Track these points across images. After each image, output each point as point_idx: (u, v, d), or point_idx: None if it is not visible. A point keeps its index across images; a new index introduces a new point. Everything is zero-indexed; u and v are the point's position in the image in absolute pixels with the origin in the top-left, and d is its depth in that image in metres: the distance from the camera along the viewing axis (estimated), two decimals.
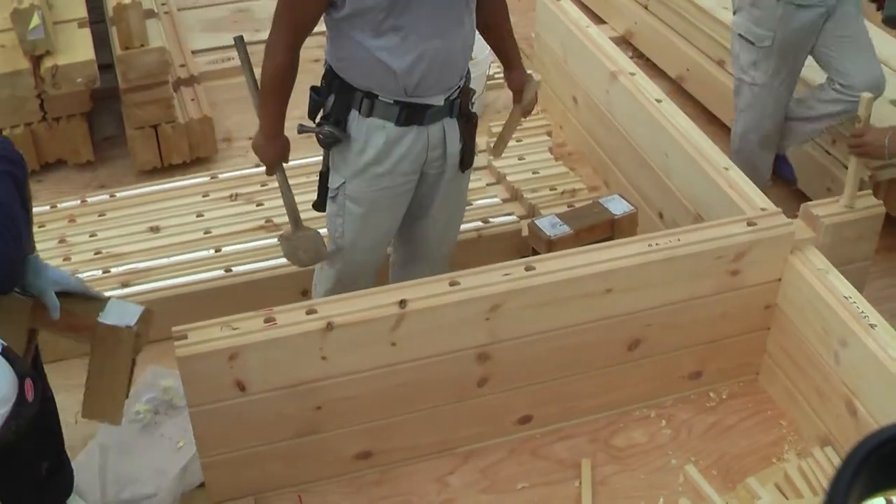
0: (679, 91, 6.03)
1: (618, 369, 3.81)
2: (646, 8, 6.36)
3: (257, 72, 3.59)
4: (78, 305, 2.96)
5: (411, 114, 3.50)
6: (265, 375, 3.32)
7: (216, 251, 4.49)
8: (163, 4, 6.44)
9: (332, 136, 3.53)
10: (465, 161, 3.75)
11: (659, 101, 4.58)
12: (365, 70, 3.44)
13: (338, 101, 3.52)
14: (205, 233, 4.61)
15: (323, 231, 3.83)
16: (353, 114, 3.51)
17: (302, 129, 3.60)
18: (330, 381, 3.40)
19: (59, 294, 2.89)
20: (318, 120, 3.58)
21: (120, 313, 2.97)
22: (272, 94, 3.53)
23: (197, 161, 5.47)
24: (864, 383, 3.49)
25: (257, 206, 4.76)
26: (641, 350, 3.80)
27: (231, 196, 4.84)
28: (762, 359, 4.04)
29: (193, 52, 6.21)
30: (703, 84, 5.86)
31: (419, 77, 3.43)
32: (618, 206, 4.20)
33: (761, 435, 3.91)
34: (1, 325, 2.75)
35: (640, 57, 6.44)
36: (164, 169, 5.39)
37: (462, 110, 3.65)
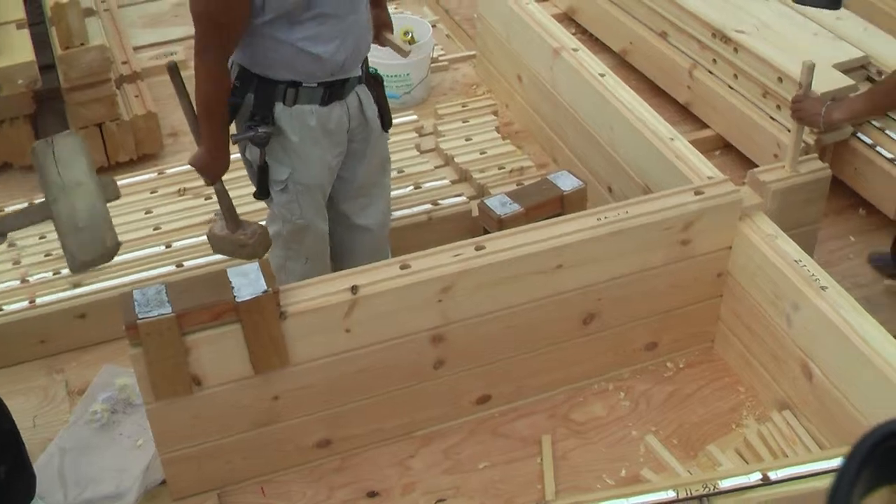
0: (623, 65, 6.04)
1: (573, 344, 3.82)
2: None
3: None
4: None
5: (333, 91, 3.56)
6: (220, 368, 3.30)
7: (167, 247, 4.47)
8: (102, 2, 6.37)
9: (266, 136, 3.53)
10: (385, 121, 3.84)
11: (602, 75, 4.59)
12: (289, 63, 3.46)
13: (259, 99, 3.52)
14: (154, 229, 4.58)
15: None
16: (279, 106, 3.52)
17: (237, 139, 3.59)
18: (286, 371, 3.39)
19: None
20: (245, 121, 3.57)
21: None
22: (216, 113, 3.51)
23: (144, 158, 5.43)
24: (817, 345, 3.52)
25: (206, 199, 4.73)
26: (596, 324, 3.81)
27: (179, 191, 4.81)
28: (717, 326, 4.07)
29: (135, 49, 6.16)
30: (647, 57, 5.87)
31: (344, 56, 3.49)
32: (566, 182, 4.20)
33: (719, 402, 3.94)
34: None
35: (583, 33, 6.44)
36: (111, 167, 5.34)
37: (366, 74, 3.72)
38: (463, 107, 5.43)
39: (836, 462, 3.17)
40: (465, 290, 3.47)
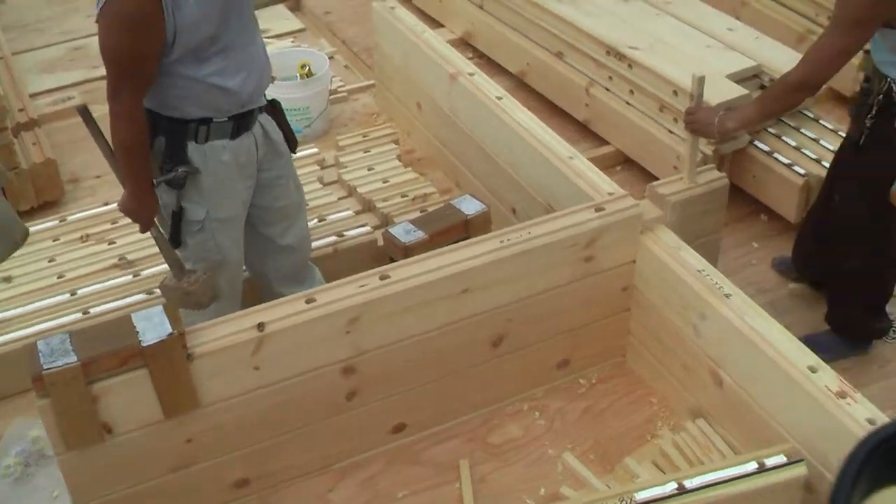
0: (522, 86, 6.08)
1: (485, 367, 3.83)
2: (481, 8, 6.40)
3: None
4: None
5: (242, 124, 3.58)
6: (130, 415, 3.26)
7: (72, 294, 4.40)
8: None
9: (185, 175, 3.53)
10: (291, 143, 3.87)
11: (500, 98, 4.62)
12: (200, 100, 3.45)
13: (171, 140, 3.51)
14: (58, 277, 4.52)
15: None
16: (191, 145, 3.52)
17: (157, 182, 3.56)
18: (197, 413, 3.35)
19: None
20: (159, 164, 3.55)
21: None
22: (138, 156, 3.49)
23: (45, 205, 5.34)
24: (725, 352, 3.57)
25: (109, 244, 4.68)
26: (506, 345, 3.82)
27: (82, 237, 4.76)
28: (627, 340, 4.10)
29: (32, 96, 6.09)
30: (544, 77, 5.92)
31: (252, 87, 3.52)
32: (470, 206, 4.22)
33: (634, 415, 3.96)
34: None
35: (480, 56, 6.48)
36: None
37: (266, 103, 3.76)
38: (364, 137, 5.43)
39: (750, 466, 3.21)
40: (373, 321, 3.46)
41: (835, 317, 4.37)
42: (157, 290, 4.09)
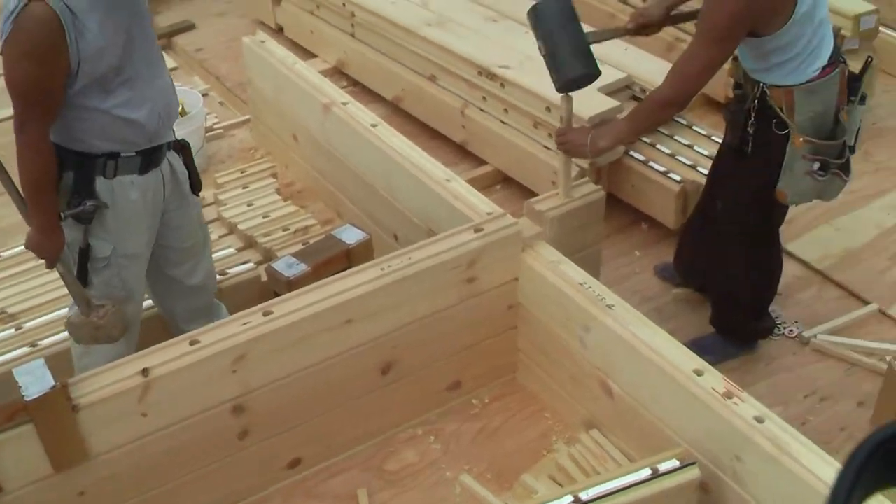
0: (398, 112, 6.10)
1: (376, 395, 3.82)
2: (353, 36, 6.41)
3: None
4: None
5: (150, 160, 3.56)
6: (19, 471, 3.20)
7: None
8: None
9: (94, 209, 3.48)
10: (195, 184, 3.84)
11: (374, 125, 4.63)
12: (106, 133, 3.42)
13: (79, 175, 3.46)
14: None
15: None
16: (99, 180, 3.48)
17: (66, 215, 3.49)
18: (87, 464, 3.30)
19: None
20: (67, 200, 3.49)
21: None
22: (46, 190, 3.42)
23: None
24: (612, 362, 3.61)
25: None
26: (395, 372, 3.82)
27: None
28: (516, 357, 4.12)
29: None
30: (420, 101, 5.94)
31: (157, 119, 3.50)
32: (351, 236, 4.22)
33: (528, 431, 3.98)
34: None
35: (355, 85, 6.48)
36: None
37: (174, 140, 3.74)
38: (242, 173, 5.39)
39: (644, 473, 3.25)
40: (259, 357, 3.44)
41: (719, 320, 4.44)
42: (43, 342, 4.06)
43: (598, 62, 4.00)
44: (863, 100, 3.87)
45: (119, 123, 3.41)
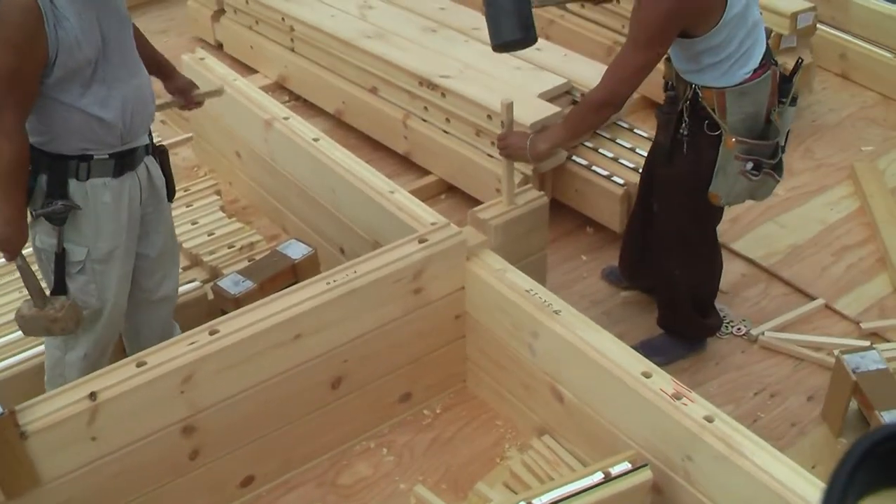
0: (340, 125, 6.08)
1: (328, 409, 3.82)
2: (292, 51, 6.39)
3: None
4: None
5: (124, 163, 3.54)
6: None
7: None
8: None
9: (66, 209, 3.46)
10: (170, 190, 3.84)
11: (316, 139, 4.62)
12: (78, 132, 3.40)
13: (52, 177, 3.45)
14: None
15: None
16: (72, 183, 3.46)
17: (37, 214, 3.47)
18: (38, 491, 3.26)
19: None
20: (41, 202, 3.47)
21: None
22: (17, 178, 3.37)
23: None
24: (561, 368, 3.63)
25: None
26: (346, 386, 3.82)
27: None
28: (466, 366, 4.13)
29: None
30: (362, 114, 5.93)
31: (129, 120, 3.49)
32: (296, 251, 4.22)
33: (481, 439, 4.00)
34: None
35: (297, 99, 6.46)
36: None
37: (152, 145, 3.72)
38: (185, 191, 5.35)
39: (597, 476, 3.27)
40: (207, 377, 3.42)
41: (666, 319, 4.46)
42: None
43: (536, 31, 3.96)
44: (794, 101, 3.91)
45: (91, 123, 3.40)
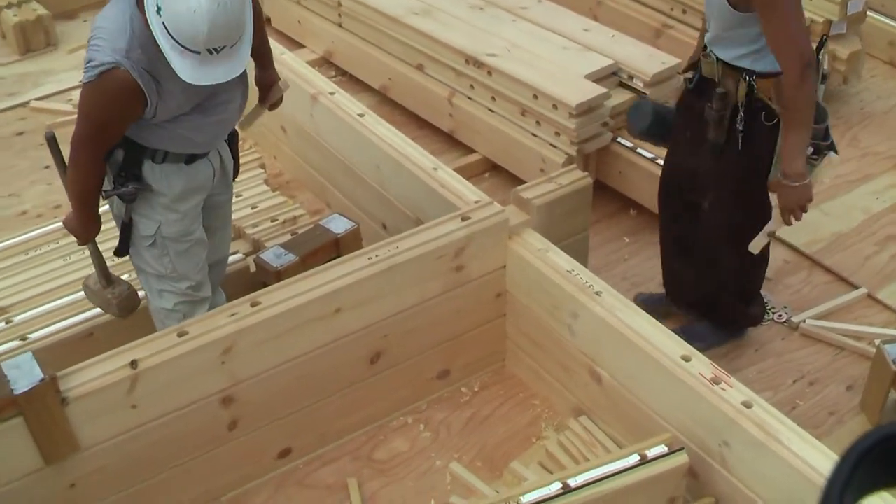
0: (386, 101, 6.10)
1: (366, 384, 3.84)
2: (340, 26, 6.40)
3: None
4: None
5: (198, 154, 3.62)
6: (10, 465, 3.21)
7: None
8: None
9: (135, 191, 3.53)
10: (235, 171, 3.91)
11: (361, 115, 4.63)
12: (164, 140, 3.48)
13: (128, 155, 3.51)
14: None
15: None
16: (147, 164, 3.52)
17: (106, 195, 3.56)
18: (78, 456, 3.31)
19: None
20: (113, 176, 3.54)
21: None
22: (91, 198, 3.52)
23: None
24: (600, 349, 3.63)
25: None
26: (385, 361, 3.83)
27: None
28: (505, 345, 4.14)
29: None
30: (407, 90, 5.94)
31: (217, 138, 3.63)
32: (339, 225, 4.22)
33: (518, 418, 4.00)
34: None
35: (343, 74, 6.48)
36: None
37: None
38: None
39: (633, 459, 3.27)
40: (247, 348, 3.45)
41: (709, 308, 4.41)
42: (33, 336, 4.13)
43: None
44: (823, 79, 3.83)
45: (180, 139, 3.49)
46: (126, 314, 3.85)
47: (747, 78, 3.72)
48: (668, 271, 4.52)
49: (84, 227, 3.64)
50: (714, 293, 4.35)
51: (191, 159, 3.58)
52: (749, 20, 3.59)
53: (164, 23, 3.06)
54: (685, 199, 4.19)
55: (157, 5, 3.05)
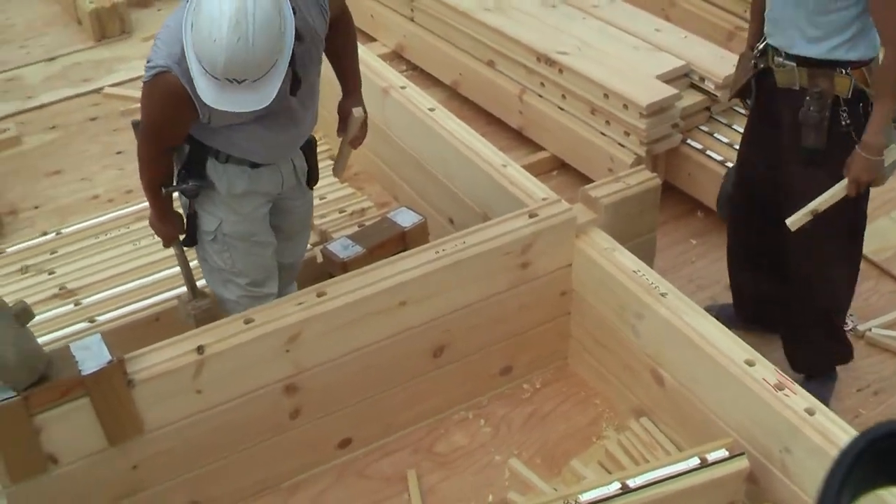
0: (456, 96, 6.12)
1: (428, 377, 3.86)
2: (412, 20, 6.43)
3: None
4: None
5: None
6: (74, 444, 3.26)
7: None
8: None
9: (197, 187, 3.58)
10: (312, 178, 3.89)
11: (432, 109, 4.65)
12: (225, 144, 3.52)
13: (193, 150, 3.55)
14: None
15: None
16: (211, 161, 3.56)
17: (168, 191, 3.62)
18: (142, 439, 3.35)
19: None
20: (177, 170, 3.60)
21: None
22: (158, 190, 3.58)
23: None
24: (664, 351, 3.61)
25: (49, 274, 4.66)
26: (448, 355, 3.85)
27: (21, 269, 4.73)
28: (568, 343, 4.13)
29: None
30: (477, 86, 5.95)
31: (277, 152, 3.62)
32: (406, 218, 4.23)
33: (578, 417, 4.00)
34: None
35: (413, 69, 6.51)
36: None
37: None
38: None
39: (693, 462, 3.25)
40: (312, 338, 3.47)
41: (802, 356, 4.20)
42: (101, 318, 4.24)
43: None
44: None
45: (240, 145, 3.52)
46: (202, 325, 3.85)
47: (842, 70, 3.61)
48: (740, 297, 4.45)
49: (159, 220, 3.69)
50: (802, 317, 4.13)
51: (255, 164, 3.60)
52: (844, 13, 3.52)
53: (192, 42, 3.08)
54: (768, 213, 4.03)
55: (192, 22, 3.06)
